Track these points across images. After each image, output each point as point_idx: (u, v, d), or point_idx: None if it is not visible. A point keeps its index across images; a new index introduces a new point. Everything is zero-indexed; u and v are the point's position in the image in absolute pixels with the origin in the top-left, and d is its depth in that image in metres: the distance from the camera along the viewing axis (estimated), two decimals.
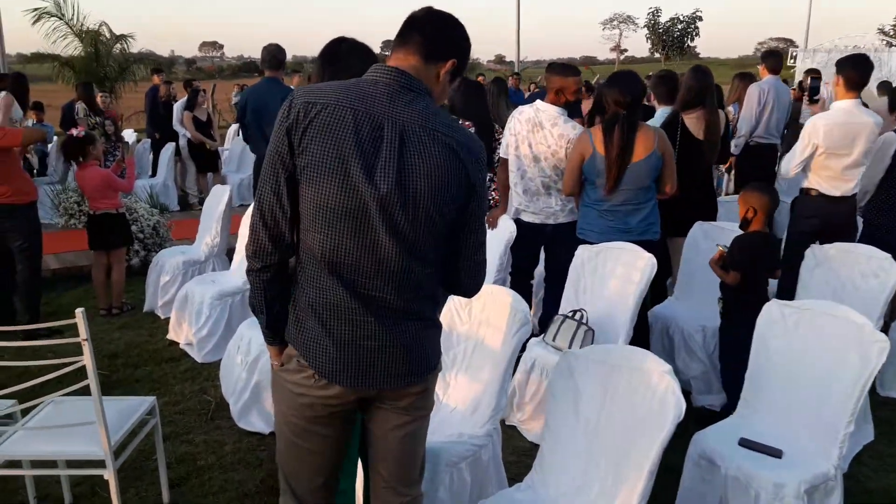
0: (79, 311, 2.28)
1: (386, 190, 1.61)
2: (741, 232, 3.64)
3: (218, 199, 5.40)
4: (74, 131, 5.16)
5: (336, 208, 1.63)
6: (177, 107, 9.48)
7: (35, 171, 7.80)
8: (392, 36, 1.77)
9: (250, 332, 3.68)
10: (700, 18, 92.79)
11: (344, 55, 2.12)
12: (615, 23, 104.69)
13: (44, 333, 4.90)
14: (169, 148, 9.47)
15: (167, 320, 5.09)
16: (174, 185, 9.60)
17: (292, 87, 7.30)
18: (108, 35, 15.39)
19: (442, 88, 1.77)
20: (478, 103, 5.07)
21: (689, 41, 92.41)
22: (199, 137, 9.11)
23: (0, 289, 5.02)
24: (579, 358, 2.36)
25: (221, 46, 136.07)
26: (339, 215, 1.64)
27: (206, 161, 9.37)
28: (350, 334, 1.71)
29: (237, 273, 4.73)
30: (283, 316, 1.81)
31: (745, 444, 2.70)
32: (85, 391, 2.45)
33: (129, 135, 7.66)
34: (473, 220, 1.77)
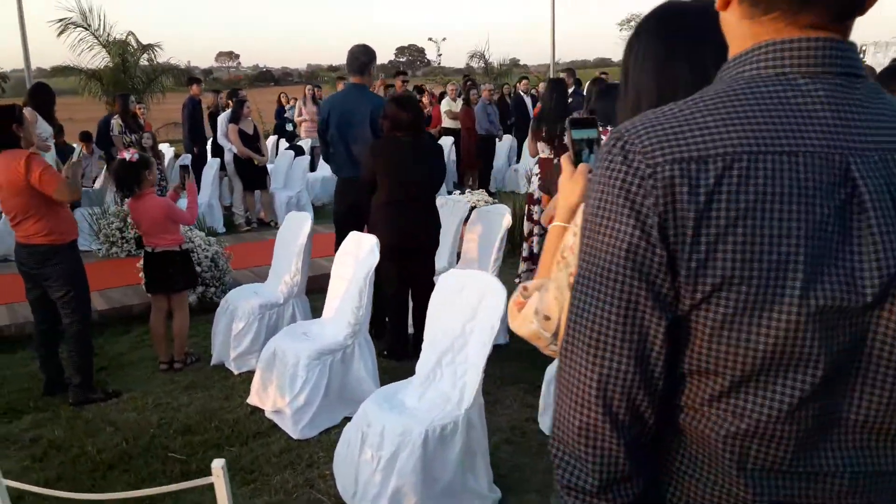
0: None
1: (882, 294, 0.76)
2: None
3: (296, 228, 4.53)
4: (126, 155, 4.29)
5: (785, 353, 0.77)
6: (221, 119, 8.64)
7: None
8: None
9: (381, 417, 2.80)
10: None
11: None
12: (632, 24, 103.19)
13: (99, 398, 4.11)
14: (213, 164, 8.65)
15: (242, 376, 4.25)
16: (219, 205, 8.78)
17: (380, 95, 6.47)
18: (134, 45, 14.78)
19: None
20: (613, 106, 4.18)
21: None
22: (247, 153, 8.26)
23: (46, 347, 4.18)
24: None
25: (237, 56, 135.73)
26: (787, 363, 0.77)
27: (253, 178, 8.53)
28: None
29: (333, 323, 3.85)
30: None
31: None
32: None
33: (166, 150, 6.85)
34: None
